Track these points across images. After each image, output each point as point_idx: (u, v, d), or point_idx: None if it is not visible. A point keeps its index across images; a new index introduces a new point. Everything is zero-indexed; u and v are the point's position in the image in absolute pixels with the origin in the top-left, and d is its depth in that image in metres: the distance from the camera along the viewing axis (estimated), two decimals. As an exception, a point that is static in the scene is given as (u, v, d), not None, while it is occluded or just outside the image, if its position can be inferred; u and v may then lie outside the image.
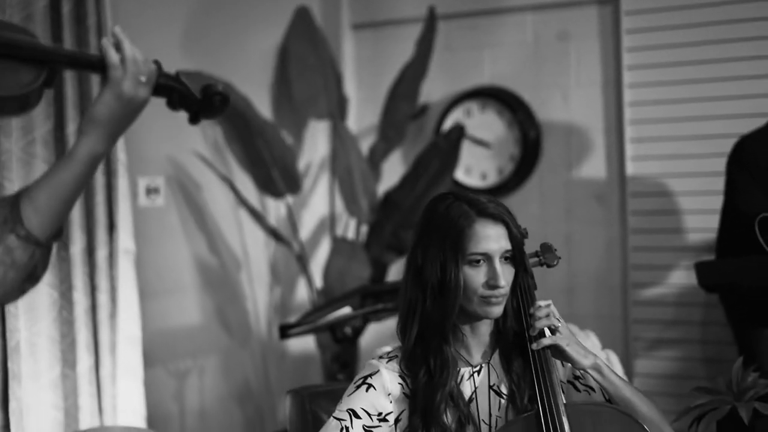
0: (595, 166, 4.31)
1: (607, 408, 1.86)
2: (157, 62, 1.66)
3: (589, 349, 1.89)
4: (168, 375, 4.02)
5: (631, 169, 4.19)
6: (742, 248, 3.15)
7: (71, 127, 3.40)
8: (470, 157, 4.47)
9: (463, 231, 1.84)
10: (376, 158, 4.31)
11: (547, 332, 1.87)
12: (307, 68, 4.34)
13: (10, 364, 3.27)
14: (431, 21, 4.25)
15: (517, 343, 1.93)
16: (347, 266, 3.95)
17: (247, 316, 4.37)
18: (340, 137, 4.16)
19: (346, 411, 1.89)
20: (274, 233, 4.26)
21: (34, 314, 3.38)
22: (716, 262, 3.34)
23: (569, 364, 1.95)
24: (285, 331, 3.36)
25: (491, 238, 1.85)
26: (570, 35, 4.34)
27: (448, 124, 4.45)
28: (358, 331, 3.43)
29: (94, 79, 3.42)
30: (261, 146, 4.10)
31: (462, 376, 1.92)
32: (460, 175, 4.50)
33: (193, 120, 1.72)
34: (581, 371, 1.94)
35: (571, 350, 1.87)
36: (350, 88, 4.74)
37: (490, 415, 1.90)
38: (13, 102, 1.58)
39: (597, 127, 4.30)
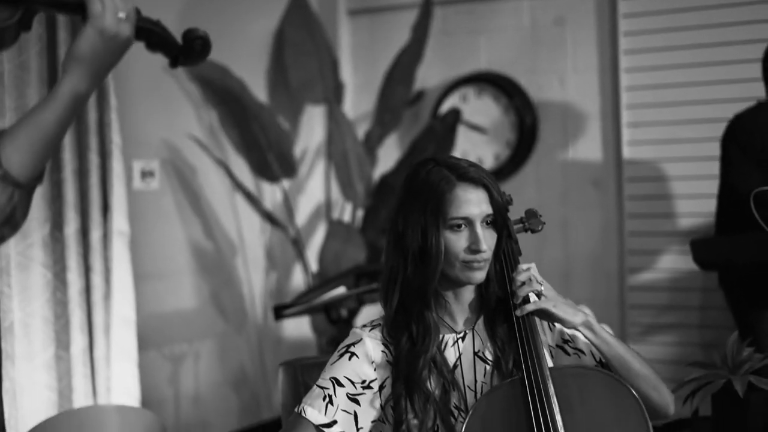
0: (591, 151, 4.30)
1: (591, 371, 1.84)
2: (136, 7, 1.65)
3: (577, 306, 1.87)
4: (163, 359, 4.01)
5: (627, 153, 4.18)
6: (739, 226, 3.14)
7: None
8: (466, 143, 4.47)
9: (443, 195, 1.82)
10: (372, 143, 4.30)
11: (533, 297, 1.85)
12: (302, 54, 4.33)
13: (3, 345, 3.27)
14: (427, 6, 4.24)
15: (502, 309, 1.91)
16: (343, 249, 3.94)
17: (243, 300, 4.36)
18: (336, 121, 4.15)
19: (329, 379, 1.88)
20: (269, 217, 4.25)
21: (27, 294, 3.37)
22: (712, 239, 3.33)
23: (557, 329, 1.94)
24: (279, 312, 3.34)
25: (472, 203, 1.83)
26: (566, 20, 4.33)
27: (444, 109, 4.44)
28: (353, 313, 3.42)
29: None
30: (256, 130, 4.09)
31: (446, 343, 1.90)
32: (457, 160, 4.48)
33: (173, 64, 1.70)
34: (571, 334, 1.93)
35: (558, 311, 1.85)
36: (346, 74, 4.73)
37: (475, 381, 1.88)
38: None
39: (593, 112, 4.29)
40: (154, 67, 4.00)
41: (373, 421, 1.89)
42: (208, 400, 4.18)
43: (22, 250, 3.36)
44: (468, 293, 1.92)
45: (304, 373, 2.29)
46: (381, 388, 1.88)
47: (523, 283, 1.85)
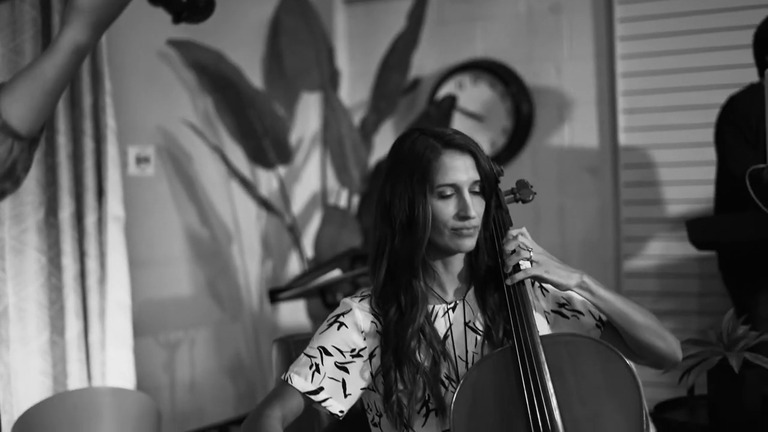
0: (587, 138, 4.29)
1: (583, 339, 1.83)
2: None
3: (571, 268, 1.86)
4: (158, 346, 4.00)
5: (623, 140, 4.17)
6: (737, 207, 3.14)
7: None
8: (462, 130, 4.42)
9: (430, 163, 1.82)
10: (367, 129, 4.30)
11: (524, 264, 1.83)
12: (298, 42, 4.32)
13: (-2, 329, 3.27)
14: (423, -7, 4.24)
15: (492, 279, 1.90)
16: (338, 235, 3.93)
17: (239, 289, 4.35)
18: (331, 107, 4.15)
19: (317, 348, 1.87)
20: (265, 204, 4.24)
21: (22, 279, 3.36)
22: (708, 218, 3.33)
23: (551, 293, 1.92)
24: (274, 296, 3.34)
25: (459, 169, 1.83)
26: (562, 7, 4.32)
27: (440, 96, 4.43)
28: (348, 296, 3.40)
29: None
30: (252, 116, 4.09)
31: (436, 314, 1.89)
32: (453, 148, 4.47)
33: (176, 20, 1.67)
34: (566, 296, 1.91)
35: (551, 275, 1.83)
36: (342, 62, 4.72)
37: (466, 351, 1.87)
38: None
39: (589, 99, 4.28)
40: (149, 53, 4.00)
41: (362, 388, 1.88)
42: (203, 387, 4.17)
43: (16, 234, 3.35)
44: (458, 263, 1.91)
45: (297, 349, 2.28)
46: (371, 356, 1.88)
47: (513, 252, 1.84)
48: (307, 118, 4.64)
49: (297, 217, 4.47)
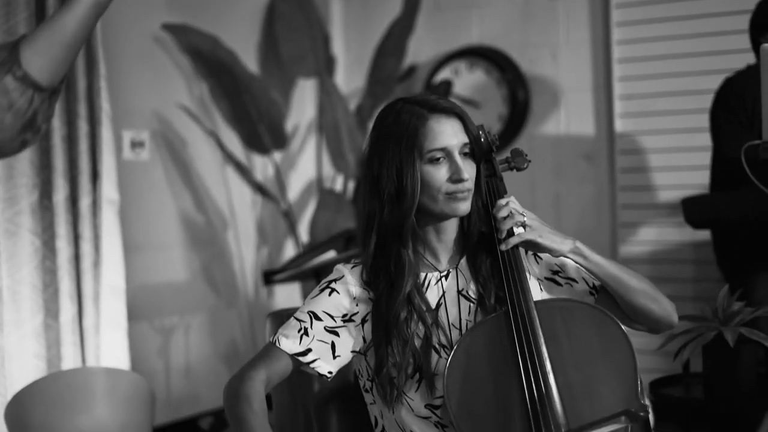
0: (583, 125, 4.29)
1: (577, 303, 1.82)
2: None
3: (564, 234, 1.85)
4: (153, 331, 3.99)
5: (619, 126, 4.17)
6: (732, 188, 3.13)
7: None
8: (458, 117, 4.44)
9: (417, 130, 1.80)
10: (363, 114, 4.29)
11: (518, 230, 1.82)
12: (294, 28, 4.31)
13: (-8, 312, 3.25)
14: (419, -21, 4.24)
15: (484, 246, 1.88)
16: (333, 219, 3.93)
17: (234, 275, 4.34)
18: (327, 92, 4.14)
19: (307, 313, 1.86)
20: (260, 189, 4.23)
21: (16, 261, 3.35)
22: (704, 196, 3.31)
23: (544, 260, 1.91)
24: (269, 278, 3.32)
25: (447, 133, 1.81)
26: (558, -7, 4.32)
27: (436, 82, 4.43)
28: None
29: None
30: (247, 101, 4.08)
31: (429, 282, 1.88)
32: (448, 135, 4.46)
33: None
34: (560, 263, 1.90)
35: (545, 240, 1.82)
36: (338, 49, 4.72)
37: (460, 319, 1.86)
38: None
39: (586, 85, 4.28)
40: (144, 37, 3.99)
41: (352, 351, 1.87)
42: (198, 373, 4.16)
43: (10, 216, 3.34)
44: (450, 230, 1.89)
45: (291, 322, 2.28)
46: (363, 321, 1.86)
47: (506, 217, 1.83)
48: (302, 105, 4.63)
49: (293, 203, 4.46)
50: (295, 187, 4.59)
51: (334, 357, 1.85)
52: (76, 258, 3.48)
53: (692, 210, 3.21)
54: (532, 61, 4.38)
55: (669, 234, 4.08)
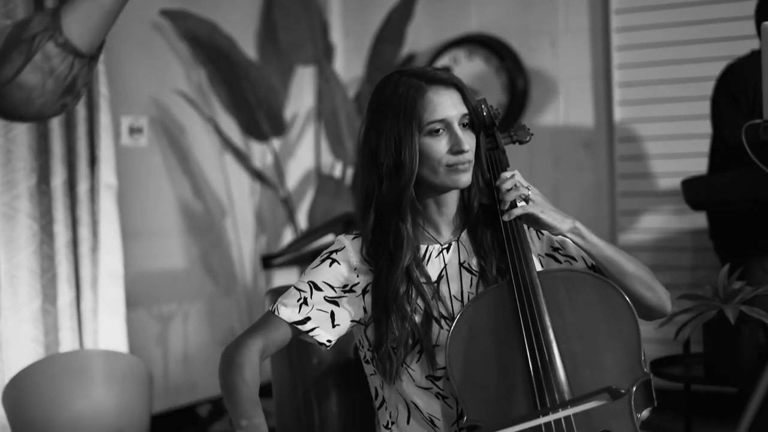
0: (582, 113, 4.28)
1: (579, 273, 1.81)
2: None
3: (564, 213, 1.84)
4: (151, 318, 3.98)
5: (619, 114, 4.16)
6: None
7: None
8: (457, 105, 4.44)
9: (416, 102, 1.78)
10: (362, 102, 4.28)
11: (520, 202, 1.81)
12: (292, 16, 4.30)
13: (-11, 296, 3.24)
14: (418, -34, 4.23)
15: (486, 218, 1.87)
16: (332, 205, 3.92)
17: (232, 263, 4.33)
18: (326, 79, 4.13)
19: (307, 283, 1.85)
20: (259, 176, 4.22)
21: (14, 246, 3.34)
22: (704, 177, 3.30)
23: (545, 237, 1.90)
24: (267, 262, 3.31)
25: (446, 104, 1.79)
26: (557, -19, 4.32)
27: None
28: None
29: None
30: (246, 88, 4.07)
31: (430, 254, 1.87)
32: (447, 123, 4.46)
33: None
34: (560, 241, 1.89)
35: (546, 216, 1.80)
36: (337, 37, 4.71)
37: (462, 291, 1.85)
38: None
39: (585, 73, 4.27)
40: (142, 23, 3.98)
41: (352, 321, 1.86)
42: (196, 361, 4.14)
43: (8, 201, 3.33)
44: (451, 203, 1.88)
45: (290, 298, 2.27)
46: (364, 292, 1.85)
47: (510, 189, 1.82)
48: (301, 93, 4.62)
49: (291, 191, 4.45)
50: (293, 174, 4.58)
51: (334, 326, 1.84)
52: (74, 243, 3.48)
53: (692, 191, 3.20)
54: (532, 49, 4.37)
55: (668, 222, 4.08)
